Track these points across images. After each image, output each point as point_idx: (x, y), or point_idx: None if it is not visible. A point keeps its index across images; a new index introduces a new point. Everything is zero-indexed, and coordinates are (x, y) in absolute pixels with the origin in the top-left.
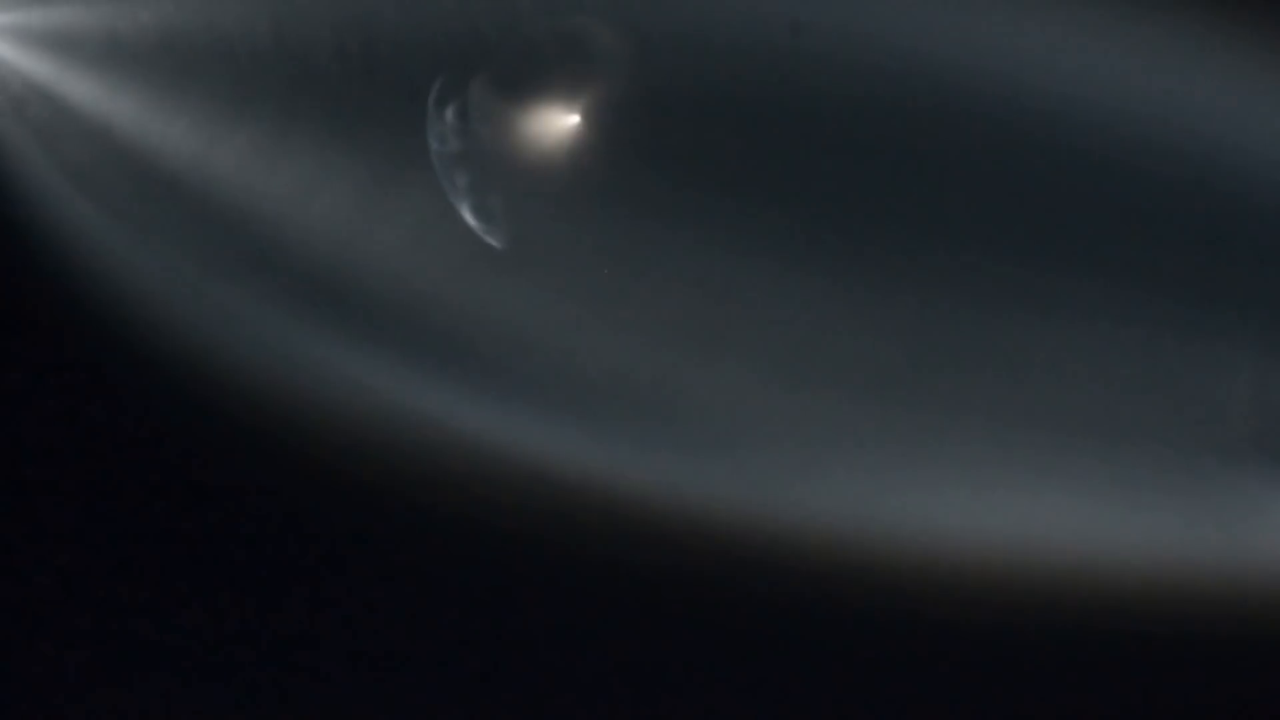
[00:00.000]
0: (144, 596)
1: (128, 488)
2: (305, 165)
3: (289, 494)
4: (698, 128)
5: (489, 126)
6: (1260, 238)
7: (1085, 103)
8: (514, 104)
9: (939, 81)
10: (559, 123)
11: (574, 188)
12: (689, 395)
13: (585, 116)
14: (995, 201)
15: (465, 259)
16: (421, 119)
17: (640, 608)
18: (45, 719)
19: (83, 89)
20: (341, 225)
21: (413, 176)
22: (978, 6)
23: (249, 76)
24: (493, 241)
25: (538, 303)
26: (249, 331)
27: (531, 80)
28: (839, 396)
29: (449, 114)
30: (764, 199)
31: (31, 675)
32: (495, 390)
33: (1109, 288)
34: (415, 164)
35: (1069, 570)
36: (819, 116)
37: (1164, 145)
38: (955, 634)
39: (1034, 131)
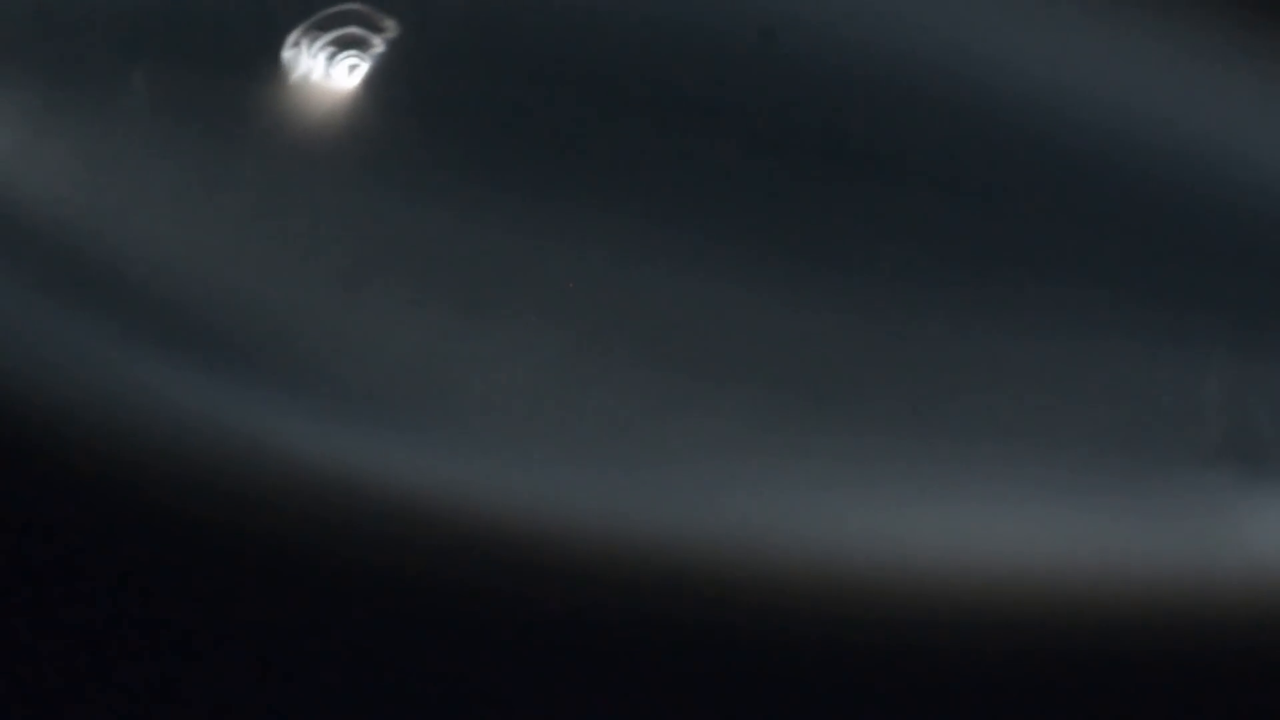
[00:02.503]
0: None
1: None
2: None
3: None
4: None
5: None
6: (1228, 241)
7: (1049, 105)
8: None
9: (916, 86)
10: (330, 94)
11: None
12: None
13: (370, 85)
14: (957, 206)
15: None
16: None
17: (607, 651)
18: None
19: None
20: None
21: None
22: (957, 15)
23: None
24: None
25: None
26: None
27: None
28: (799, 409)
29: (139, 78)
30: (706, 201)
31: None
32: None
33: (1075, 293)
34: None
35: (1039, 580)
36: (787, 120)
37: (1129, 148)
38: (929, 652)
39: (993, 135)
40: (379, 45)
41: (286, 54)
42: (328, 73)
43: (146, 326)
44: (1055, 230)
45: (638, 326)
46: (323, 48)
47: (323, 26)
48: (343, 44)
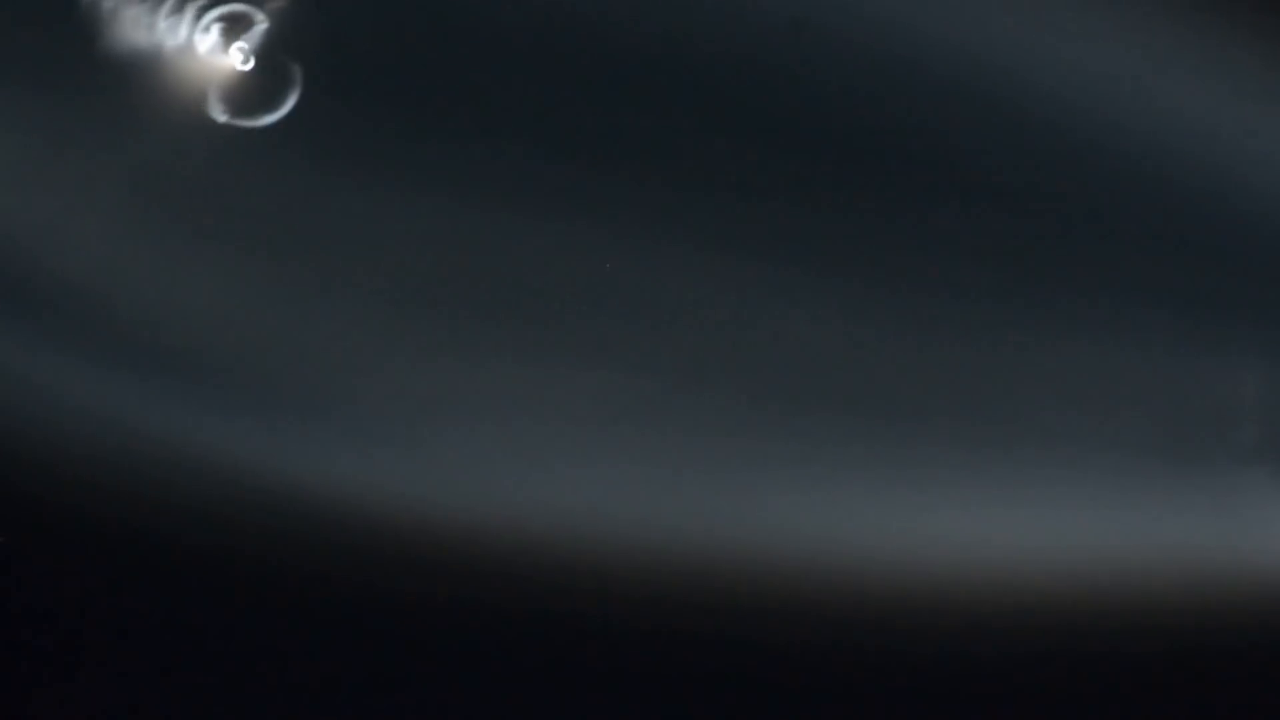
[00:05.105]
0: None
1: None
2: None
3: None
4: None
5: None
6: (1263, 250)
7: (1084, 110)
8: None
9: (936, 87)
10: (216, 69)
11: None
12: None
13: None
14: (997, 216)
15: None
16: None
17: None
18: None
19: None
20: None
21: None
22: (986, 12)
23: None
24: None
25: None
26: None
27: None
28: (823, 411)
29: None
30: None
31: None
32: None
33: (1114, 302)
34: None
35: (1079, 579)
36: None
37: (1168, 159)
38: (974, 651)
39: (1031, 140)
40: (267, 17)
41: (165, 24)
42: (214, 46)
43: (40, 320)
44: (1095, 240)
45: (672, 340)
46: (207, 18)
47: None
48: (229, 17)
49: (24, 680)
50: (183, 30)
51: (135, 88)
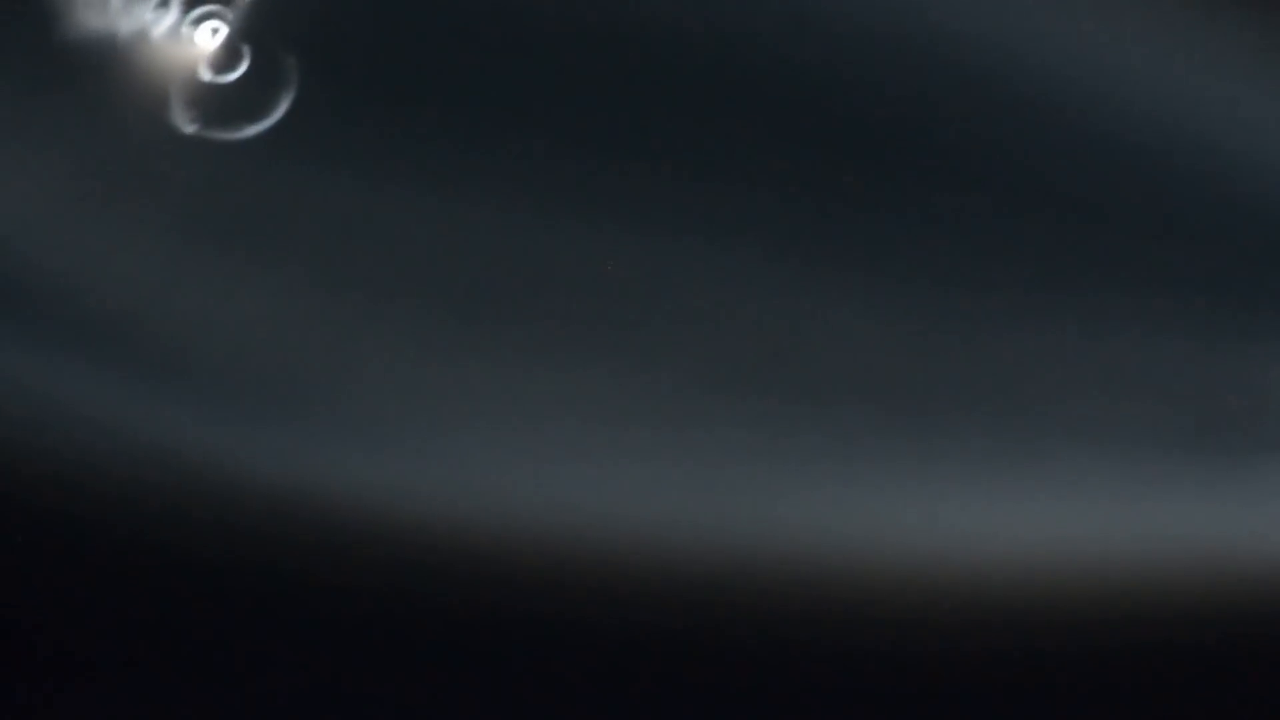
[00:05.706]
0: None
1: None
2: None
3: None
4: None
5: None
6: None
7: (1104, 96)
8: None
9: (945, 73)
10: (188, 56)
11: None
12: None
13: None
14: (1015, 202)
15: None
16: None
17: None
18: None
19: None
20: None
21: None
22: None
23: None
24: None
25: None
26: None
27: None
28: (847, 405)
29: None
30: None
31: None
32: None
33: (1136, 288)
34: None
35: (1103, 577)
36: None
37: (1192, 151)
38: (1015, 645)
39: (1051, 127)
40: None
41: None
42: (186, 32)
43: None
44: (1121, 231)
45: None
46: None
47: None
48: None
49: (22, 682)
50: (149, 14)
51: (104, 80)
